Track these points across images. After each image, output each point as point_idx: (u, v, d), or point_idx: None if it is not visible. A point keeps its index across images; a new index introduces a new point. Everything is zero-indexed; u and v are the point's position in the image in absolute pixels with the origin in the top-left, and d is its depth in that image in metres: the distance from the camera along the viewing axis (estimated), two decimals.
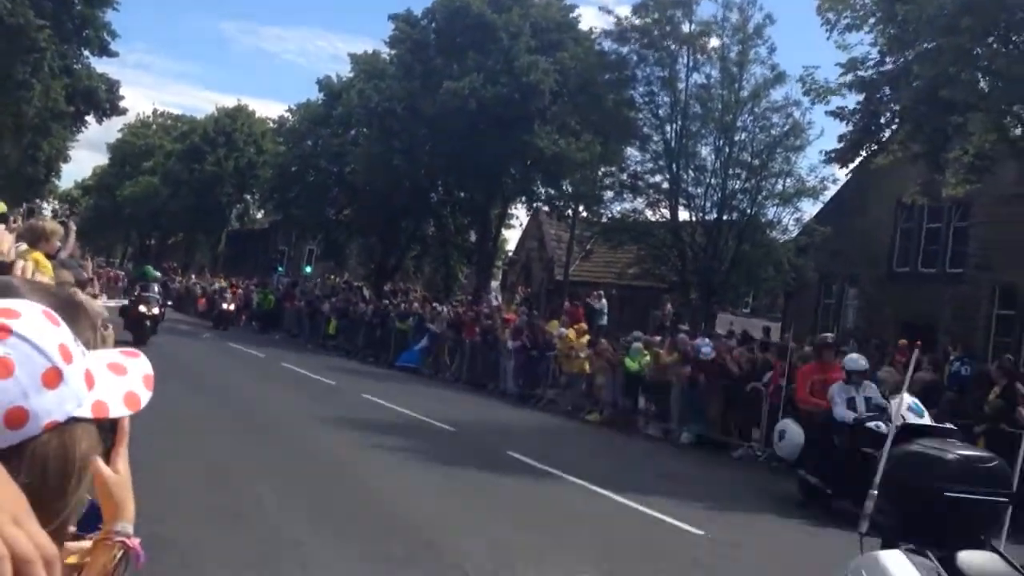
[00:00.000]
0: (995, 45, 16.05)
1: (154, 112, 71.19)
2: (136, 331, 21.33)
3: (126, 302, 23.38)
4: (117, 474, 1.26)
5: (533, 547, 7.52)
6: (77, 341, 1.05)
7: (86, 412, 1.04)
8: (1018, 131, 17.10)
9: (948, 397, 12.75)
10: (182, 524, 6.97)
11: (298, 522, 7.53)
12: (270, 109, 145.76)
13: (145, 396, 1.14)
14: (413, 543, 7.23)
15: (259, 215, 59.28)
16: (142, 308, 22.23)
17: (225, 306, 33.65)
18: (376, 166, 33.22)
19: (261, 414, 13.68)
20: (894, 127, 18.23)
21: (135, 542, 1.31)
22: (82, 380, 1.04)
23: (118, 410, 1.10)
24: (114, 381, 1.11)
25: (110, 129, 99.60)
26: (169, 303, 27.62)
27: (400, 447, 11.91)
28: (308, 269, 45.98)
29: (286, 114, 44.61)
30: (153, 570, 4.86)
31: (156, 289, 24.07)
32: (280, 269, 46.34)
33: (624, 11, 26.52)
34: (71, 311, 1.09)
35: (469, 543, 7.41)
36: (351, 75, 38.16)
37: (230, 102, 71.61)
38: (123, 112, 39.66)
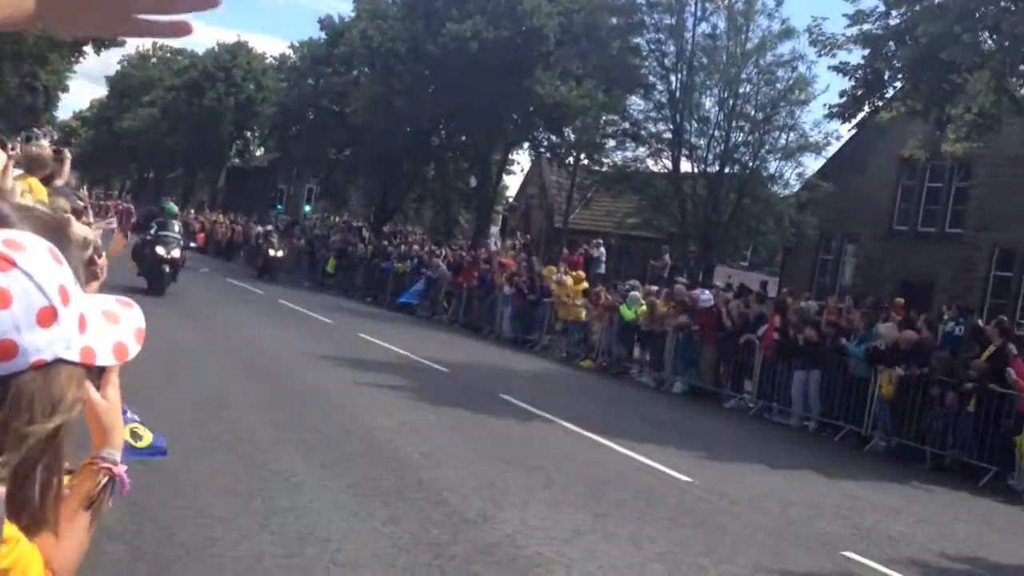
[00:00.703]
0: (1003, 3, 15.82)
1: (153, 45, 70.35)
2: (152, 277, 18.34)
3: (139, 240, 19.75)
4: (106, 401, 1.26)
5: (522, 487, 7.61)
6: (76, 283, 1.05)
7: (74, 356, 1.04)
8: (1022, 91, 16.96)
9: (940, 355, 12.80)
10: (174, 452, 7.01)
11: (289, 454, 7.61)
12: (271, 45, 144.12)
13: (134, 348, 1.15)
14: (402, 478, 7.31)
15: (259, 152, 58.91)
16: (159, 250, 18.43)
17: (272, 252, 29.05)
18: (377, 107, 32.93)
19: (257, 350, 13.73)
20: (897, 84, 18.05)
21: (121, 468, 1.32)
22: (75, 323, 1.04)
23: (105, 358, 1.10)
24: (106, 329, 1.11)
25: (109, 61, 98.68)
26: (192, 244, 21.36)
27: (394, 386, 11.98)
28: (308, 208, 45.84)
29: (288, 51, 44.19)
30: (144, 496, 4.93)
31: (177, 228, 20.07)
32: (279, 207, 46.20)
33: None
34: (60, 238, 1.08)
35: (457, 481, 7.49)
36: (353, 15, 37.65)
37: (230, 37, 70.88)
38: (122, 44, 39.31)
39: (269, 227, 34.04)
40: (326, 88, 38.48)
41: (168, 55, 67.77)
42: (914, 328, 13.81)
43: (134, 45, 64.79)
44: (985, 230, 22.64)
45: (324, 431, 8.65)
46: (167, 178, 66.69)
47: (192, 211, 47.24)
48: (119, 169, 75.61)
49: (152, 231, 19.38)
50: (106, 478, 1.28)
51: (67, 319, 1.02)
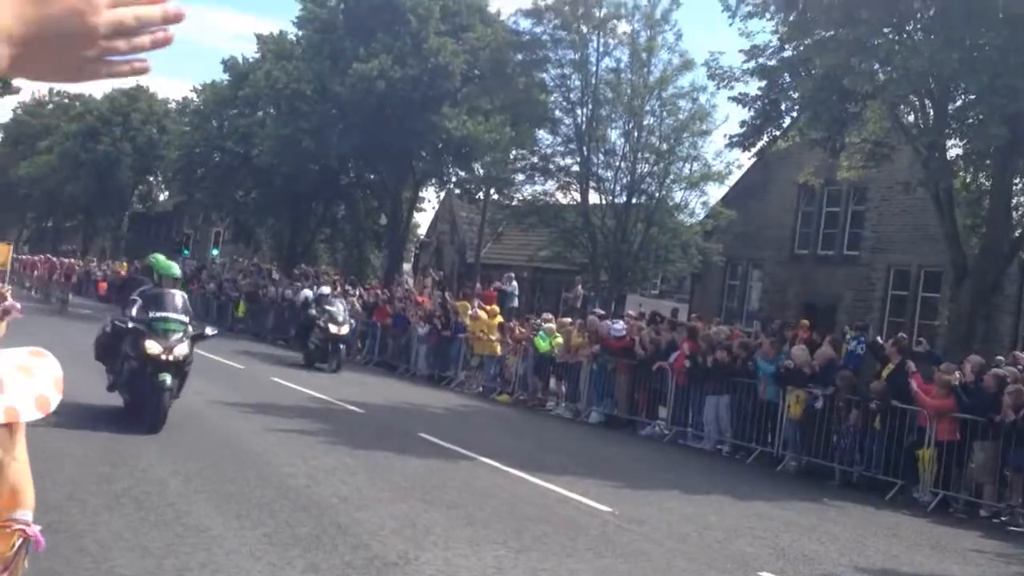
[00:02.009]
0: (891, 36, 16.61)
1: (50, 91, 68.46)
2: (150, 402, 10.45)
3: (107, 329, 11.37)
4: (15, 461, 1.24)
5: (443, 526, 7.56)
6: None
7: None
8: (910, 119, 17.79)
9: (844, 375, 13.23)
10: (83, 511, 6.80)
11: (203, 506, 7.42)
12: (173, 88, 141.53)
13: (55, 399, 1.13)
14: (321, 524, 7.19)
15: (163, 197, 57.66)
16: (156, 350, 10.40)
17: (335, 329, 20.03)
18: (284, 148, 32.64)
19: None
20: (794, 113, 18.74)
21: (35, 529, 1.29)
22: None
23: (29, 414, 1.09)
24: (23, 384, 1.09)
25: (3, 108, 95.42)
26: (212, 332, 12.27)
27: (309, 430, 11.80)
28: (215, 252, 44.96)
29: (191, 94, 43.47)
30: (53, 558, 4.72)
31: (180, 303, 11.11)
32: (186, 252, 45.16)
33: None
34: None
35: (377, 524, 7.41)
36: (257, 56, 37.36)
37: (128, 82, 69.26)
38: (16, 91, 38.05)
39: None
40: (231, 130, 37.96)
41: (65, 100, 66.03)
42: (819, 348, 14.26)
43: (30, 91, 62.98)
44: (881, 251, 23.56)
45: (238, 481, 8.46)
46: (65, 226, 64.70)
47: (94, 260, 45.91)
48: (15, 218, 73.09)
49: (134, 310, 10.78)
50: (21, 539, 1.25)
51: None
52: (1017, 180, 17.08)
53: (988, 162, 16.91)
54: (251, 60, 38.20)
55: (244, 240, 41.42)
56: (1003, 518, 10.96)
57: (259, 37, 37.61)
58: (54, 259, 42.70)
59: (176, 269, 12.50)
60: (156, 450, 9.59)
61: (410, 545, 6.86)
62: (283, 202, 35.30)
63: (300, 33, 35.11)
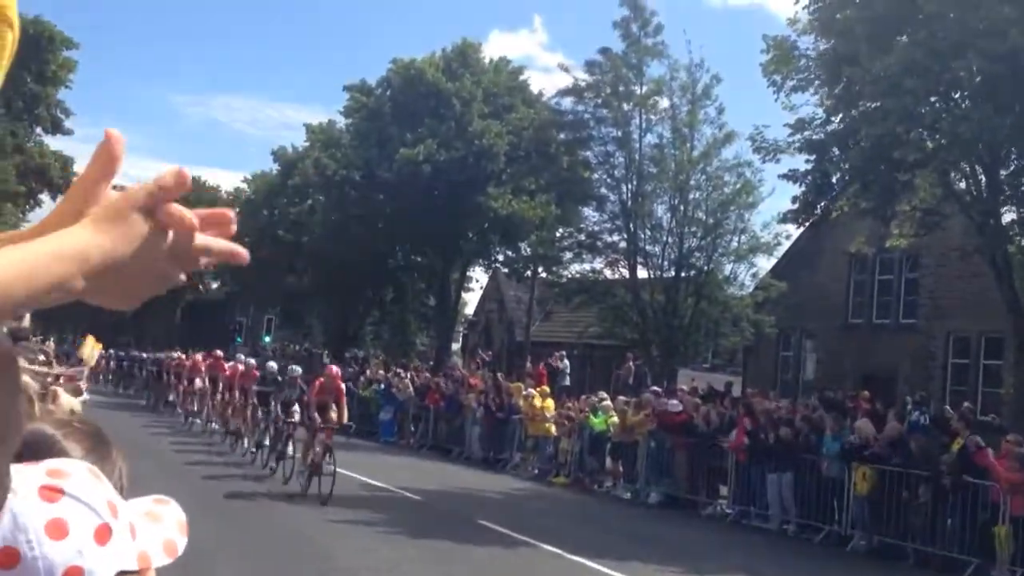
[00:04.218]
0: (937, 104, 16.61)
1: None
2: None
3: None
4: None
5: None
6: (118, 492, 1.08)
7: (132, 564, 1.07)
8: (962, 185, 17.64)
9: (913, 447, 12.90)
10: None
11: None
12: (222, 178, 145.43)
13: (182, 543, 1.17)
14: None
15: (215, 285, 58.77)
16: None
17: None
18: (334, 234, 33.26)
19: (219, 489, 13.40)
20: (844, 184, 18.68)
21: None
22: (128, 532, 1.07)
23: (159, 559, 1.13)
24: (152, 529, 1.14)
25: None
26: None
27: (369, 520, 11.74)
28: (267, 339, 45.58)
29: (242, 184, 44.58)
30: None
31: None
32: (239, 340, 45.84)
33: (580, 75, 27.00)
34: (99, 445, 1.12)
35: None
36: (306, 144, 38.34)
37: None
38: None
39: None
40: (282, 218, 38.81)
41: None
42: (884, 422, 13.95)
43: None
44: (938, 319, 23.14)
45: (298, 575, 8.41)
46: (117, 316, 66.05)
47: (148, 349, 46.62)
48: (67, 312, 74.77)
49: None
50: None
51: (120, 531, 1.05)
52: None
53: None
54: (300, 149, 39.20)
55: (294, 326, 41.95)
56: None
57: (307, 127, 38.65)
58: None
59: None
60: (214, 541, 9.58)
61: None
62: (333, 287, 35.78)
63: (348, 121, 36.01)
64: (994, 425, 14.66)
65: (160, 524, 1.16)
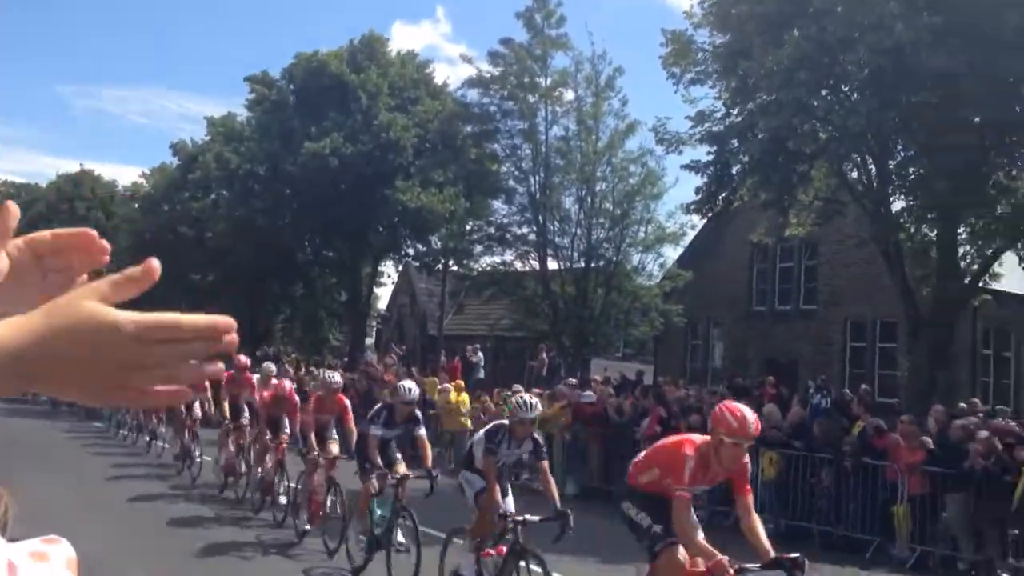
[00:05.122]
0: (829, 97, 17.22)
1: None
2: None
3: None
4: None
5: None
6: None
7: None
8: (855, 175, 18.36)
9: (816, 431, 13.44)
10: None
11: None
12: (118, 173, 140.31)
13: None
14: None
15: None
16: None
17: None
18: (238, 229, 32.65)
19: (131, 501, 13.12)
20: (744, 175, 19.22)
21: None
22: (4, 572, 1.04)
23: None
24: (37, 569, 1.11)
25: None
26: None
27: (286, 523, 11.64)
28: None
29: (140, 179, 43.33)
30: None
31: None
32: None
33: (484, 66, 27.08)
34: None
35: None
36: (207, 138, 37.48)
37: (73, 167, 68.75)
38: None
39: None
40: (183, 213, 37.86)
41: (11, 191, 65.34)
42: (789, 407, 14.48)
43: None
44: (836, 305, 24.05)
45: None
46: None
47: None
48: None
49: None
50: None
51: None
52: (961, 230, 17.63)
53: (932, 215, 17.46)
54: (200, 143, 38.29)
55: None
56: (977, 572, 11.13)
57: (208, 120, 37.76)
58: None
59: None
60: (131, 556, 9.40)
61: None
62: (239, 284, 35.12)
63: (250, 115, 35.33)
64: (892, 407, 15.34)
65: (47, 564, 1.13)
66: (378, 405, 10.41)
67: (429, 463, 9.34)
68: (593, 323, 24.81)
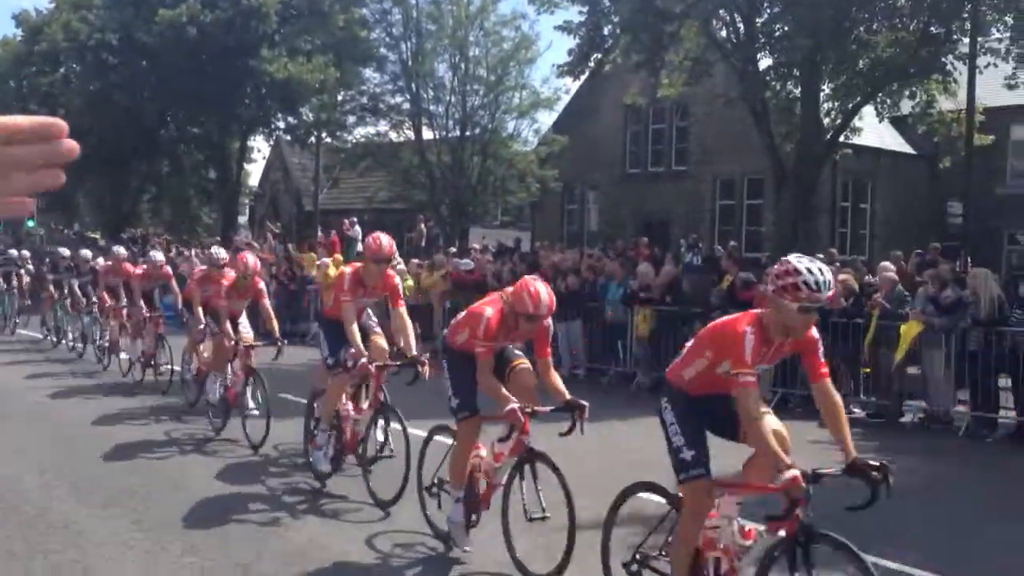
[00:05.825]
0: None
1: None
2: None
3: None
4: None
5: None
6: None
7: None
8: (723, 34, 18.49)
9: (686, 287, 13.89)
10: None
11: (64, 500, 7.17)
12: None
13: None
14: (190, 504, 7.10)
15: None
16: None
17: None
18: (94, 105, 30.84)
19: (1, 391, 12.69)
20: (617, 36, 19.13)
21: None
22: None
23: None
24: None
25: None
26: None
27: (170, 406, 11.49)
28: (31, 223, 42.20)
29: None
30: None
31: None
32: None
33: None
34: None
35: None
36: (52, 7, 34.81)
37: None
38: None
39: None
40: (32, 89, 35.41)
41: None
42: (661, 265, 14.89)
43: None
44: (706, 164, 24.59)
45: (96, 469, 8.20)
46: None
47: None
48: None
49: None
50: None
51: None
52: (824, 87, 18.10)
53: (796, 72, 17.83)
54: (45, 12, 35.58)
55: (61, 208, 39.06)
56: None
57: None
58: None
59: None
60: (4, 445, 9.14)
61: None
62: (100, 163, 33.40)
63: None
64: (758, 261, 15.95)
65: None
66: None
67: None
68: (470, 192, 24.75)
